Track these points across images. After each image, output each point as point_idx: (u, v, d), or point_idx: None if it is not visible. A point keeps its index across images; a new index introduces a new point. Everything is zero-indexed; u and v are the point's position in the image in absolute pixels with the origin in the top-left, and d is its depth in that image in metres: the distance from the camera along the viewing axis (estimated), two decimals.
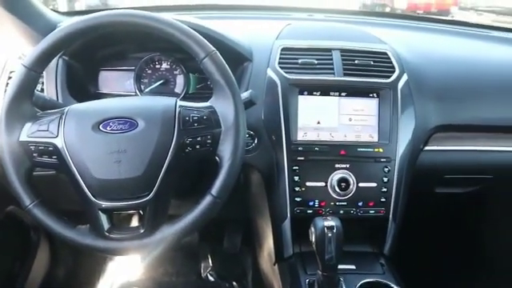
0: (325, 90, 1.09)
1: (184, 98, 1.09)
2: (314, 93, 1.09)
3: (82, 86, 1.15)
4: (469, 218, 1.48)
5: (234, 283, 1.66)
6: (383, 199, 1.08)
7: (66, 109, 0.84)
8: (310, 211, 1.06)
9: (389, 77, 1.11)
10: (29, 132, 0.81)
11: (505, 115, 1.21)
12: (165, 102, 0.86)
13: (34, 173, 0.84)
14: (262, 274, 1.31)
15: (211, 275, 1.71)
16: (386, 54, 1.16)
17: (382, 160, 1.07)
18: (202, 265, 1.75)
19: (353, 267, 1.03)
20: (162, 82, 1.21)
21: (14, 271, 1.35)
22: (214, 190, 0.82)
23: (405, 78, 1.12)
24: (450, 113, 1.17)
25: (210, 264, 1.74)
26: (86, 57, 1.15)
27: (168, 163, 0.80)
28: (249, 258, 1.68)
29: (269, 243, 1.16)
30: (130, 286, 1.64)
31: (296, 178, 1.05)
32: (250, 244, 1.63)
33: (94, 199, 0.80)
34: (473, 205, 1.39)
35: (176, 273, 1.73)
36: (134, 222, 1.39)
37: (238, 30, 1.19)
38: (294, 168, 1.05)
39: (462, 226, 1.50)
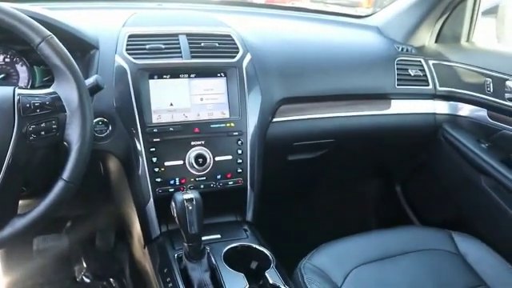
0: (174, 72, 1.13)
1: None
2: (164, 76, 1.12)
3: None
4: (321, 178, 1.66)
5: (111, 280, 1.63)
6: (240, 170, 1.15)
7: None
8: (172, 190, 1.09)
9: (234, 57, 1.19)
10: None
11: (338, 86, 1.39)
12: (1, 90, 0.82)
13: None
14: (136, 262, 1.31)
15: (86, 277, 1.65)
16: (229, 36, 1.24)
17: (235, 134, 1.15)
18: (76, 268, 1.68)
19: (218, 236, 1.09)
20: (2, 76, 1.13)
21: None
22: (65, 174, 0.81)
23: (248, 57, 1.21)
24: (292, 87, 1.30)
25: (84, 265, 1.68)
26: None
27: (11, 153, 0.77)
28: (124, 251, 1.66)
29: (137, 229, 1.17)
30: None
31: (154, 160, 1.08)
32: (124, 238, 1.61)
33: None
34: (323, 167, 1.56)
35: (48, 282, 1.63)
36: None
37: (82, 19, 1.17)
38: (151, 150, 1.08)
39: (316, 186, 1.67)
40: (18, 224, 0.80)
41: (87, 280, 1.65)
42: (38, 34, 0.82)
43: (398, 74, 1.47)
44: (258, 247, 1.06)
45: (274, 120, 1.27)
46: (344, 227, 1.39)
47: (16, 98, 0.80)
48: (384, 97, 1.46)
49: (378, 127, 1.47)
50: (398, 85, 1.46)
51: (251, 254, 1.06)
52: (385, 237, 1.27)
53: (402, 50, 1.55)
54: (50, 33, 0.83)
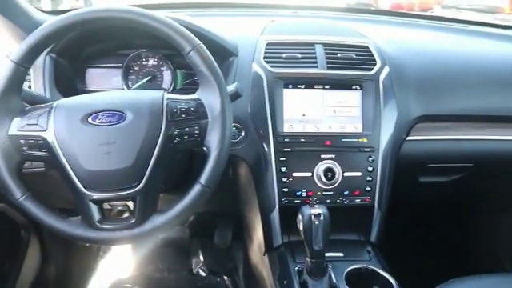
0: (309, 82, 1.11)
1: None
2: (299, 86, 1.11)
3: (69, 84, 1.16)
4: (453, 205, 1.52)
5: (225, 277, 1.68)
6: (368, 188, 1.10)
7: (55, 103, 0.85)
8: (298, 201, 1.08)
9: (371, 69, 1.14)
10: (18, 126, 0.82)
11: (482, 105, 1.25)
12: (152, 94, 0.87)
13: (23, 170, 0.85)
14: (253, 265, 1.33)
15: (202, 270, 1.73)
16: (367, 47, 1.19)
17: (367, 150, 1.10)
18: (193, 260, 1.77)
19: (340, 254, 1.06)
20: (149, 78, 1.22)
21: (4, 270, 1.35)
22: (203, 178, 0.84)
23: (386, 70, 1.15)
24: (431, 103, 1.21)
25: (201, 259, 1.76)
26: (72, 54, 1.16)
27: (157, 154, 0.82)
28: (240, 251, 1.70)
29: (258, 235, 1.18)
30: (122, 283, 1.65)
31: (283, 169, 1.08)
32: (240, 238, 1.65)
33: (84, 190, 0.81)
34: (456, 193, 1.43)
35: (167, 269, 1.74)
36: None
37: (223, 27, 1.21)
38: (281, 159, 1.08)
39: (446, 213, 1.54)
40: (157, 221, 0.85)
41: (203, 274, 1.73)
42: (189, 43, 0.85)
43: None
44: (382, 272, 1.00)
45: (409, 138, 1.18)
46: (473, 260, 1.26)
47: (165, 102, 0.85)
48: None
49: None
50: None
51: (374, 278, 1.00)
52: None
53: None
54: (199, 42, 0.86)
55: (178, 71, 1.22)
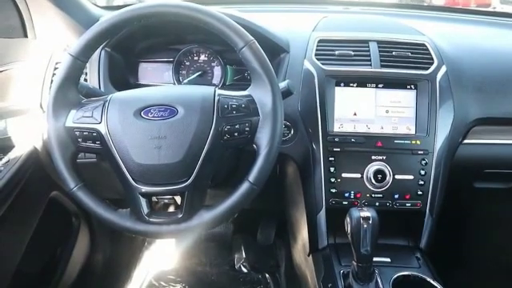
0: (362, 81, 1.09)
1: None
2: (351, 84, 1.09)
3: (122, 77, 1.19)
4: (509, 214, 1.44)
5: (267, 275, 1.68)
6: (420, 192, 1.06)
7: (109, 96, 0.86)
8: (346, 202, 1.06)
9: (427, 68, 1.10)
10: (74, 118, 0.84)
11: None
12: (204, 90, 0.87)
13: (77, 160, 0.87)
14: (296, 265, 1.31)
15: (244, 266, 1.73)
16: (424, 45, 1.14)
17: (420, 152, 1.06)
18: (236, 256, 1.78)
19: (388, 260, 1.03)
20: (199, 73, 1.23)
21: (55, 256, 1.40)
22: (251, 176, 0.83)
23: (444, 69, 1.10)
24: (491, 105, 1.15)
25: (244, 255, 1.77)
26: (126, 49, 1.18)
27: (207, 150, 0.82)
28: (282, 250, 1.70)
29: (303, 234, 1.16)
30: (165, 274, 1.68)
31: (332, 169, 1.06)
32: (283, 236, 1.63)
33: (134, 183, 0.82)
34: None
35: (209, 263, 1.76)
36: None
37: (275, 23, 1.20)
38: (330, 159, 1.06)
39: (502, 222, 1.46)
40: (205, 216, 0.84)
41: (244, 270, 1.73)
42: (242, 39, 0.84)
43: None
44: (432, 282, 0.96)
45: (465, 141, 1.13)
46: None
47: (216, 98, 0.84)
48: None
49: None
50: None
51: (422, 286, 0.97)
52: None
53: None
54: (252, 38, 0.85)
55: (229, 67, 1.22)
